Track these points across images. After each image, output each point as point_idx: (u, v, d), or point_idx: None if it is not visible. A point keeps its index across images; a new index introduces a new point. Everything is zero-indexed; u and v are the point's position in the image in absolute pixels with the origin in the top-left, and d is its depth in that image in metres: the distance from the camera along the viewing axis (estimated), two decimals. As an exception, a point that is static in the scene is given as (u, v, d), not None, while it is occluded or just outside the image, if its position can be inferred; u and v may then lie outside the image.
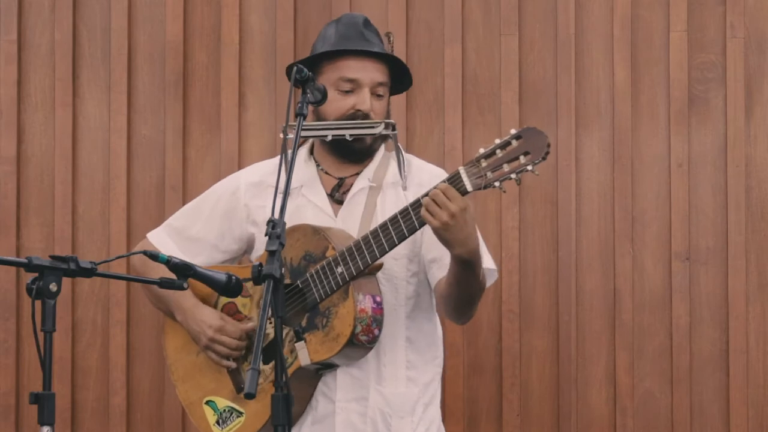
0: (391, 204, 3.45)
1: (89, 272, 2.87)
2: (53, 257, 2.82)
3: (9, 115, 4.62)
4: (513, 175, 3.16)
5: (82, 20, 4.65)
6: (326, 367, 3.42)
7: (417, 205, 3.22)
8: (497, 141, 3.18)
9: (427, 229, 3.31)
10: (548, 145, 3.14)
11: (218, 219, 3.59)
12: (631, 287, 4.48)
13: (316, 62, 3.48)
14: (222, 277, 3.08)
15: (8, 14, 4.63)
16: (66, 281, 2.82)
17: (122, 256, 3.42)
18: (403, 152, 3.48)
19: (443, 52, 4.56)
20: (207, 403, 3.54)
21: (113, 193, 4.59)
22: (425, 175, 3.49)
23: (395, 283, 3.45)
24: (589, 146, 4.52)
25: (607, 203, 4.50)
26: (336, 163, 3.53)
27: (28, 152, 4.63)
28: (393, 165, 3.51)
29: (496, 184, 3.17)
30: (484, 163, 3.18)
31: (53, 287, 2.79)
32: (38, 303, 2.78)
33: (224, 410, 3.51)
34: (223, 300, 3.55)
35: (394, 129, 3.45)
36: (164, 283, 3.06)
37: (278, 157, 3.47)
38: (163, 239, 3.61)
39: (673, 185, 4.49)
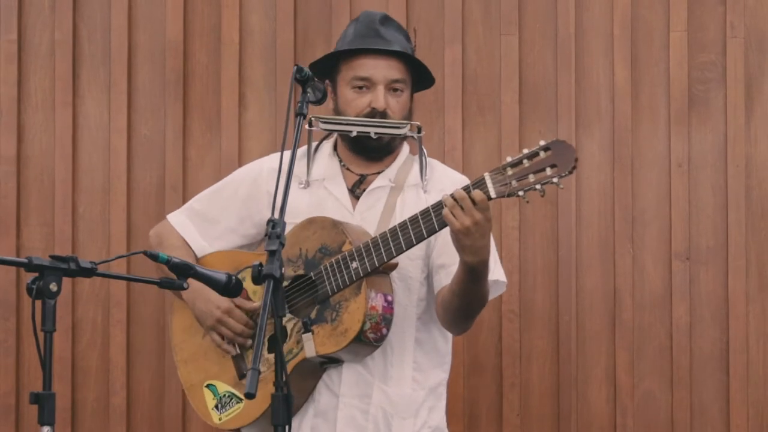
0: (411, 205, 3.45)
1: (89, 272, 2.88)
2: (53, 257, 2.82)
3: (9, 115, 4.62)
4: (538, 186, 3.15)
5: (82, 20, 4.65)
6: (331, 361, 3.42)
7: (439, 206, 3.22)
8: (525, 151, 3.16)
9: (441, 234, 3.31)
10: (576, 159, 3.13)
11: (239, 204, 3.60)
12: (631, 287, 4.48)
13: (335, 62, 3.50)
14: (222, 277, 3.08)
15: (8, 14, 4.63)
16: (66, 281, 2.82)
17: (122, 256, 3.42)
18: (426, 156, 3.50)
19: (443, 52, 4.56)
20: (208, 386, 3.54)
21: (113, 193, 4.59)
22: (447, 181, 3.50)
23: (409, 283, 3.45)
24: (589, 146, 4.52)
25: (607, 203, 4.50)
26: (357, 161, 3.54)
27: (28, 152, 4.63)
28: (415, 167, 3.52)
29: (520, 193, 3.15)
30: (510, 171, 3.16)
31: (53, 287, 2.79)
32: (38, 303, 2.78)
33: (224, 395, 3.51)
34: None
35: (419, 131, 3.46)
36: (164, 284, 3.06)
37: (302, 147, 3.51)
38: (182, 221, 3.63)
39: (673, 185, 4.49)
